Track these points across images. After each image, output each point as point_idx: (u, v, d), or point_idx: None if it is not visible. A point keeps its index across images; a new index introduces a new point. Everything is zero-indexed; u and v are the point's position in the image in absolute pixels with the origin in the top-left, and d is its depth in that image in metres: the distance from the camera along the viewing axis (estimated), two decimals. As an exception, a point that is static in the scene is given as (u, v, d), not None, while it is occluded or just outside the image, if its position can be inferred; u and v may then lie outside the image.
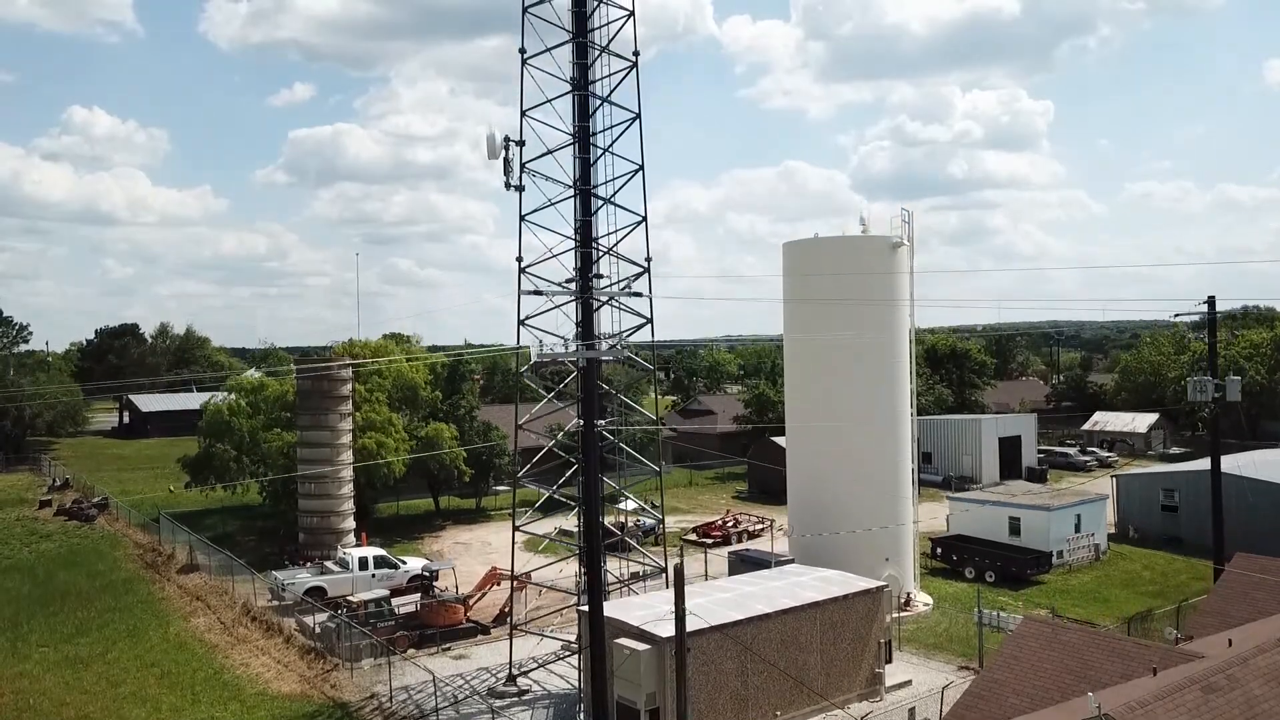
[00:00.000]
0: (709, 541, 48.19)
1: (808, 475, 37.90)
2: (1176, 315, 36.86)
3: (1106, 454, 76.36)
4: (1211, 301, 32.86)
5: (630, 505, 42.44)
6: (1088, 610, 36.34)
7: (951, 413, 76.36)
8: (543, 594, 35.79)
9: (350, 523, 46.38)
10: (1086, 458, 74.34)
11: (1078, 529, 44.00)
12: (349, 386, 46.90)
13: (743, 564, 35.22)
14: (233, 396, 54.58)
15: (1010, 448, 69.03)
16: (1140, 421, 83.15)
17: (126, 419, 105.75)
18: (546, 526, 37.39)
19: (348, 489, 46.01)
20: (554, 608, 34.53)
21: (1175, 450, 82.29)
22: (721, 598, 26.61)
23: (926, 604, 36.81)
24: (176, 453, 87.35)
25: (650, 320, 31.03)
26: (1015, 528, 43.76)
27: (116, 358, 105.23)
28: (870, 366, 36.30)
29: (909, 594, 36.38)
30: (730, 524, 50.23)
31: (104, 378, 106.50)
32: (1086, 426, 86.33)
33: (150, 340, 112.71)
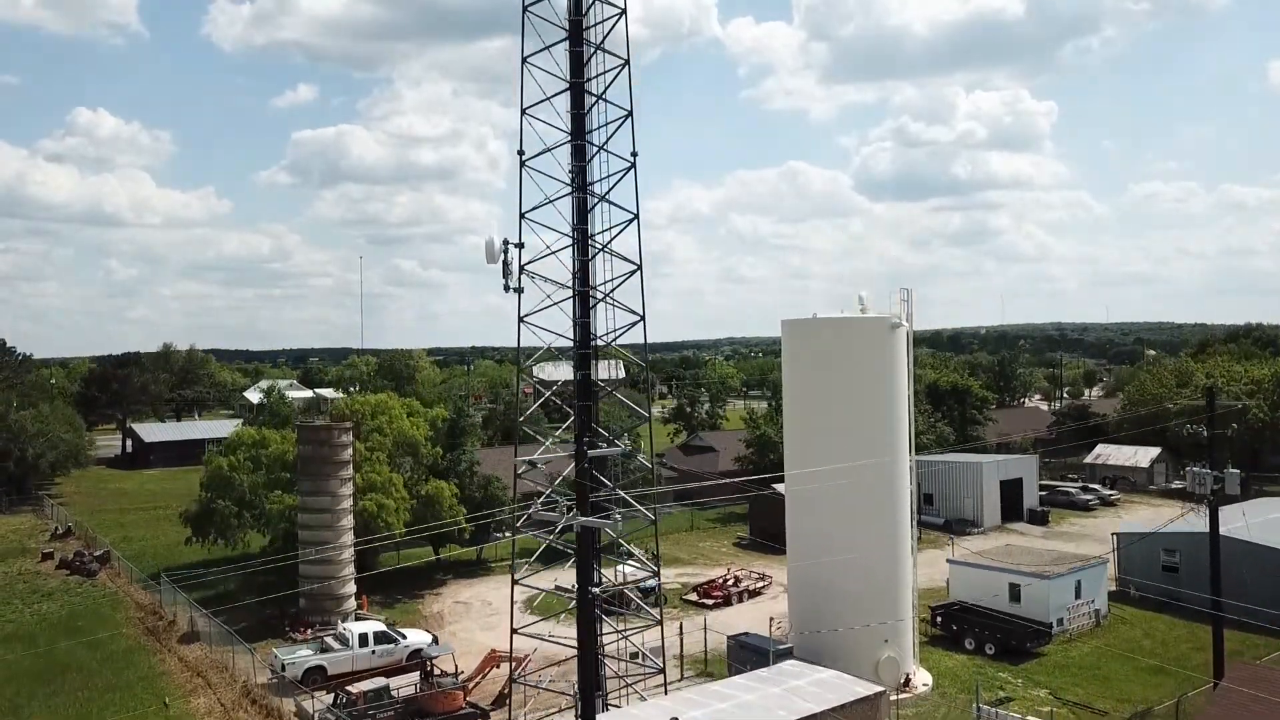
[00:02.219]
0: (710, 603, 48.17)
1: (806, 543, 37.88)
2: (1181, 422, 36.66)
3: (1109, 492, 76.28)
4: (1210, 393, 32.79)
5: (630, 570, 42.52)
6: (1087, 690, 36.31)
7: (953, 450, 76.28)
8: (542, 675, 35.82)
9: (351, 587, 46.45)
10: (1088, 496, 74.25)
11: (1078, 595, 43.96)
12: (349, 451, 46.95)
13: (742, 650, 35.27)
14: (234, 454, 54.41)
15: (1012, 489, 69.01)
16: (1142, 455, 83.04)
17: (129, 447, 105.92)
18: (547, 581, 37.34)
19: (348, 554, 46.07)
20: (554, 678, 34.60)
21: (1177, 484, 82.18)
22: (719, 708, 26.64)
23: (926, 684, 36.79)
24: (179, 487, 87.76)
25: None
26: (1015, 595, 43.69)
27: (119, 385, 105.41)
28: (869, 438, 36.27)
29: (908, 674, 36.37)
30: (731, 582, 50.20)
31: (107, 408, 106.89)
32: (1089, 459, 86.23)
33: (153, 369, 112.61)
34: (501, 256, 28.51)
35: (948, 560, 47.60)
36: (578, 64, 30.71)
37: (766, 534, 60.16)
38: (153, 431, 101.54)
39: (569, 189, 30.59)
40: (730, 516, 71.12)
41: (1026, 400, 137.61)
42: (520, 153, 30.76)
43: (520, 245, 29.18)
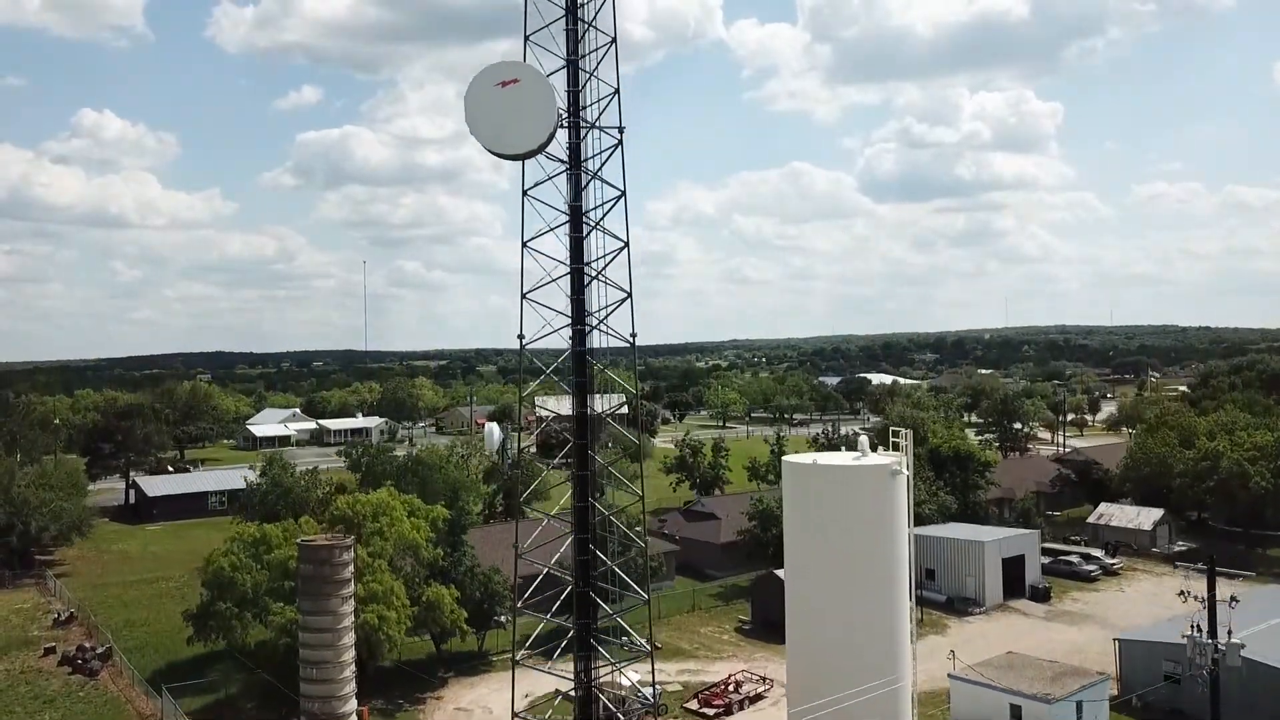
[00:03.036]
0: (711, 713, 48.17)
1: (807, 656, 37.81)
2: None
3: (1111, 560, 76.14)
4: (1211, 569, 32.68)
5: (631, 679, 42.54)
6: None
7: (955, 519, 76.18)
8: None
9: (352, 704, 46.40)
10: (1091, 567, 74.14)
11: (1079, 716, 43.92)
12: (350, 569, 46.89)
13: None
14: (235, 554, 54.34)
15: (1014, 565, 68.99)
16: (1145, 517, 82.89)
17: (132, 498, 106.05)
18: (547, 684, 37.33)
19: (349, 672, 46.01)
20: None
21: (1180, 547, 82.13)
22: None
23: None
24: (182, 549, 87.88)
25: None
26: (1017, 715, 43.72)
27: (123, 436, 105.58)
28: (868, 575, 36.22)
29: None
30: (731, 688, 50.20)
31: (111, 458, 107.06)
32: (1092, 519, 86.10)
33: (155, 418, 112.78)
34: (500, 442, 28.58)
35: (949, 675, 47.53)
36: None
37: (769, 621, 60.09)
38: (155, 485, 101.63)
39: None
40: (733, 591, 71.06)
41: (1030, 433, 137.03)
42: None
43: (520, 428, 29.27)
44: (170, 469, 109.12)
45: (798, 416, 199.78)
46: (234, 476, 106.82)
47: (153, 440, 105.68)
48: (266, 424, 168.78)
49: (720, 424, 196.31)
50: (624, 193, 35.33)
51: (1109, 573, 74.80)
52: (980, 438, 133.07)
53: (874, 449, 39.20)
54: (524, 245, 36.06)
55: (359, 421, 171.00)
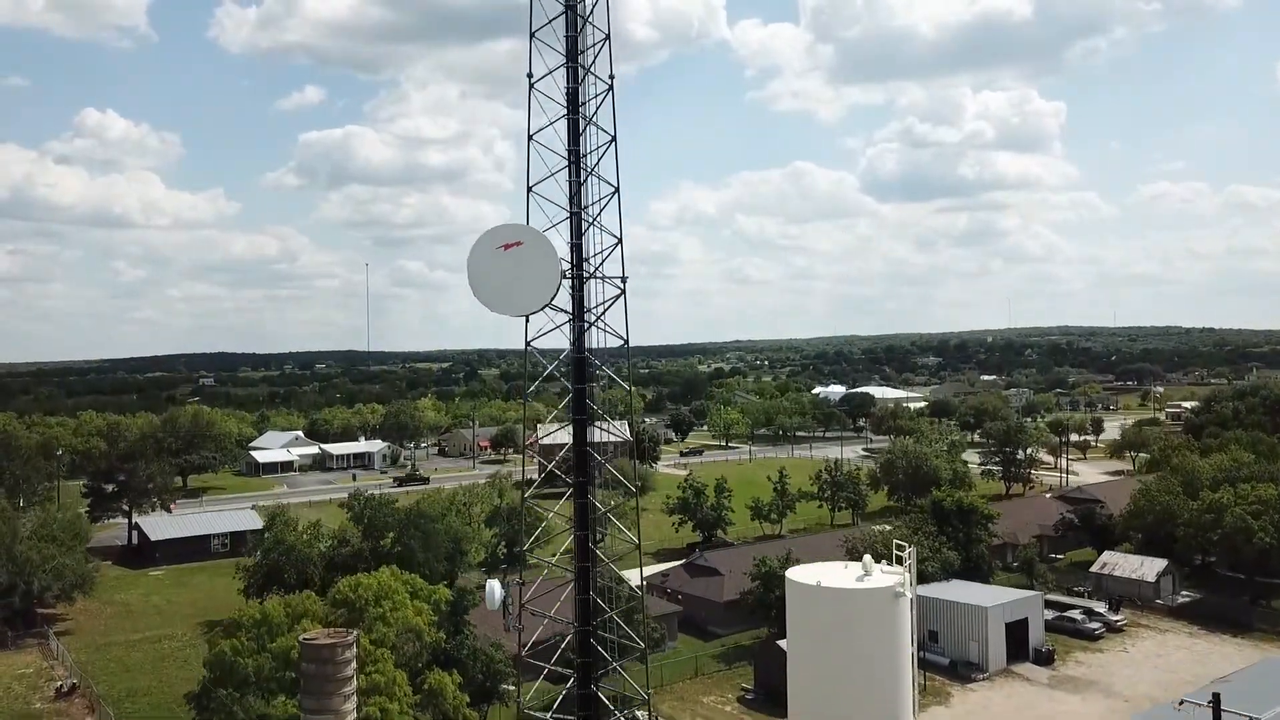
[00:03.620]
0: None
1: None
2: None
3: (1115, 617, 75.97)
4: (1216, 700, 32.51)
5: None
6: None
7: (958, 575, 75.98)
8: None
9: (354, 801, 46.36)
10: (1094, 624, 73.98)
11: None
12: (352, 665, 46.82)
13: None
14: (237, 637, 54.25)
15: (1017, 628, 68.89)
16: (1149, 568, 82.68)
17: (134, 539, 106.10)
18: None
19: (351, 770, 45.96)
20: None
21: (1184, 597, 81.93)
22: None
23: None
24: (184, 599, 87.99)
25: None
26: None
27: (125, 478, 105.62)
28: (870, 690, 36.13)
29: None
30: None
31: (113, 501, 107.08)
32: (1095, 568, 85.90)
33: (156, 456, 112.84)
34: (501, 601, 28.54)
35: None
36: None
37: (771, 689, 60.01)
38: (158, 528, 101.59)
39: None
40: (736, 653, 70.93)
41: (1033, 461, 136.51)
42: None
43: (521, 582, 29.26)
44: (170, 510, 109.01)
45: (800, 433, 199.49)
46: (236, 518, 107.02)
47: (156, 482, 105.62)
48: (269, 449, 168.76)
49: (723, 443, 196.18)
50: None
51: (1113, 629, 74.63)
52: (983, 467, 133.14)
53: (877, 560, 39.04)
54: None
55: (361, 445, 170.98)
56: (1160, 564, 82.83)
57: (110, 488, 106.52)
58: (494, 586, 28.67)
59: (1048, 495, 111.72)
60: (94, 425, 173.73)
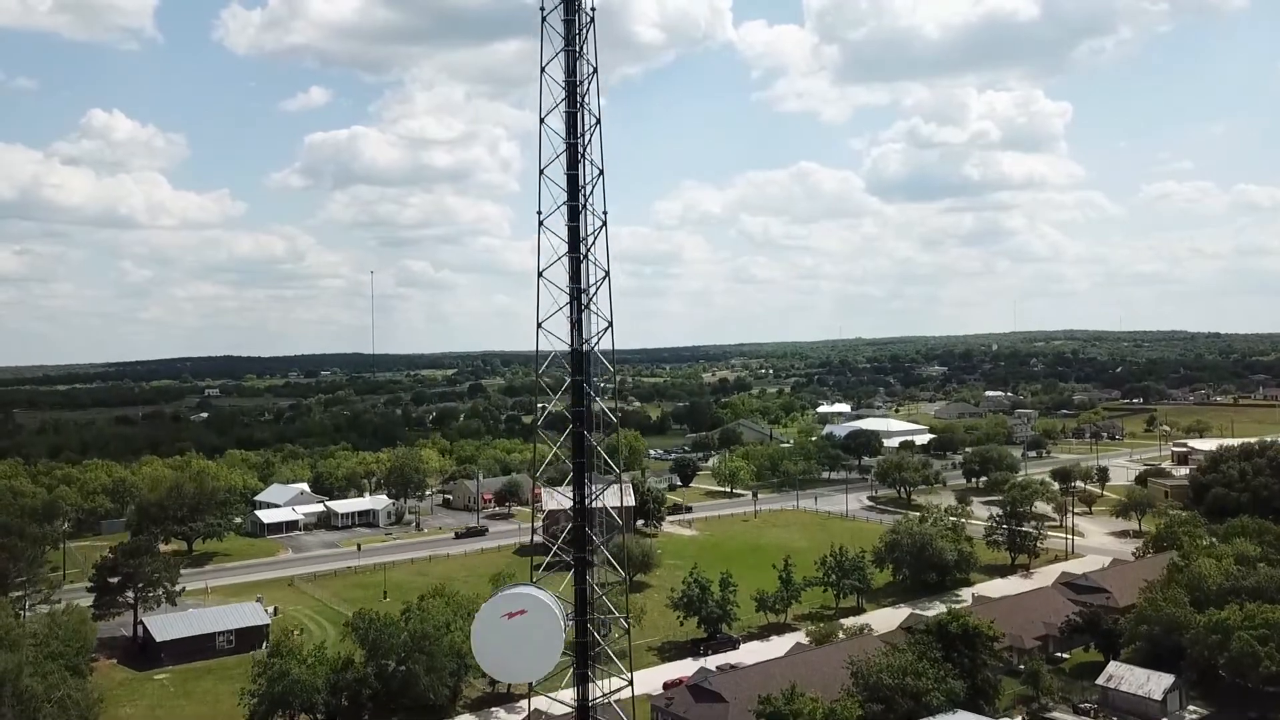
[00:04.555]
0: None
1: None
2: None
3: (1122, 747, 75.70)
4: None
5: None
6: None
7: (963, 706, 75.72)
8: None
9: None
10: (1101, 756, 73.74)
11: None
12: None
13: None
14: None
15: (1024, 771, 68.67)
16: (1156, 684, 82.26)
17: (139, 632, 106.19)
18: None
19: None
20: None
21: (1192, 714, 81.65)
22: None
23: None
24: (191, 710, 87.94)
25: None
26: None
27: (131, 571, 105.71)
28: None
29: None
30: None
31: (119, 591, 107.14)
32: (1101, 680, 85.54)
33: (160, 554, 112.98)
34: None
35: None
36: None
37: None
38: (164, 627, 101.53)
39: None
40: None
41: (1039, 536, 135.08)
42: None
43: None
44: (174, 604, 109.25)
45: (803, 475, 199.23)
46: (241, 613, 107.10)
47: (161, 579, 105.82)
48: (275, 505, 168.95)
49: (728, 491, 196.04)
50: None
51: (1120, 761, 74.38)
52: (988, 538, 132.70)
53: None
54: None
55: (366, 503, 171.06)
56: (1167, 680, 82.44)
57: (115, 580, 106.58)
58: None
59: (1052, 586, 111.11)
60: (100, 482, 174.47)
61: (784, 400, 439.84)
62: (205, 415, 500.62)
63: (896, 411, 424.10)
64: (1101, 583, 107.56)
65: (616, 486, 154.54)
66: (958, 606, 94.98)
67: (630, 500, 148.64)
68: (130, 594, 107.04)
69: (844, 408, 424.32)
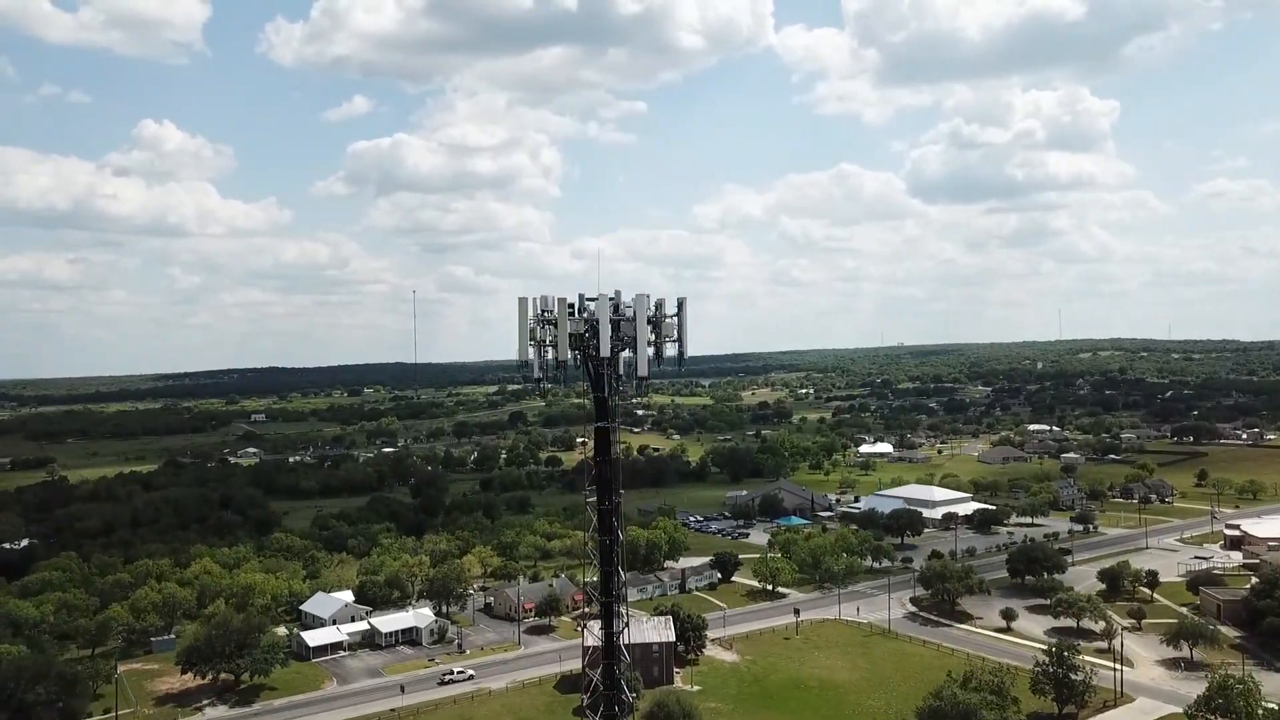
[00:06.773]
0: None
1: None
2: None
3: None
4: None
5: None
6: None
7: None
8: None
9: None
10: None
11: None
12: None
13: None
14: None
15: None
16: None
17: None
18: None
19: None
20: None
21: None
22: None
23: None
24: None
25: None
26: None
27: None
28: None
29: None
30: None
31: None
32: None
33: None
34: None
35: None
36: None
37: None
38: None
39: None
40: None
41: (1088, 683, 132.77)
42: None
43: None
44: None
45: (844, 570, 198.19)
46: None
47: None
48: (320, 621, 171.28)
49: (769, 589, 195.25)
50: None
51: None
52: (1034, 687, 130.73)
53: None
54: None
55: (409, 619, 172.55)
56: None
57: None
58: None
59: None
60: (150, 600, 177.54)
61: (825, 439, 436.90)
62: (253, 453, 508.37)
63: (939, 452, 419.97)
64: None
65: (659, 620, 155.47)
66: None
67: (670, 635, 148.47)
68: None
69: (886, 448, 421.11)
